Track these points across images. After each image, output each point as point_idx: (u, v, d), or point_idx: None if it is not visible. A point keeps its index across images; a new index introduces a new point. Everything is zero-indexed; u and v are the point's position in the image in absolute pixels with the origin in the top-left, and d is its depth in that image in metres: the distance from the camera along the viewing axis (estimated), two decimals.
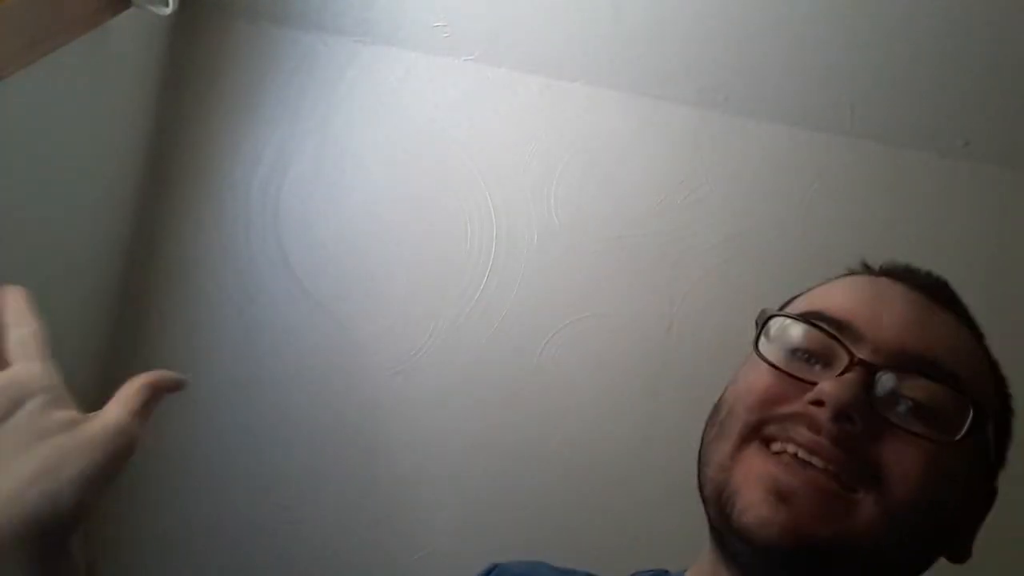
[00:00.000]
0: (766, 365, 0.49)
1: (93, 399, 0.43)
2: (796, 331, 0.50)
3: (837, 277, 0.58)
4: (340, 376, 1.23)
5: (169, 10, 1.06)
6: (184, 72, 1.27)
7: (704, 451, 0.52)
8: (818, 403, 0.45)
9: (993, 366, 0.55)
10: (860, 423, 0.45)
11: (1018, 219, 1.36)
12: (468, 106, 1.31)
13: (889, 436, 0.45)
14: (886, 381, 0.46)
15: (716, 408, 0.53)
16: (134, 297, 1.23)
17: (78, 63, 1.00)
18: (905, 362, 0.47)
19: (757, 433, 0.48)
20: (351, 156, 1.28)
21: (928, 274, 0.57)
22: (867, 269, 0.58)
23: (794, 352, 0.50)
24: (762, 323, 0.52)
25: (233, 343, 1.23)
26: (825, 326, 0.49)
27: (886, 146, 1.35)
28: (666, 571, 0.62)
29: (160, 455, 1.20)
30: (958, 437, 0.46)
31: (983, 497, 0.52)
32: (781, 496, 0.44)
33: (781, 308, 0.57)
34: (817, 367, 0.49)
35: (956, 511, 0.49)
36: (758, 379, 0.49)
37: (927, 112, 1.30)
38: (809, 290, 0.58)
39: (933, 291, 0.53)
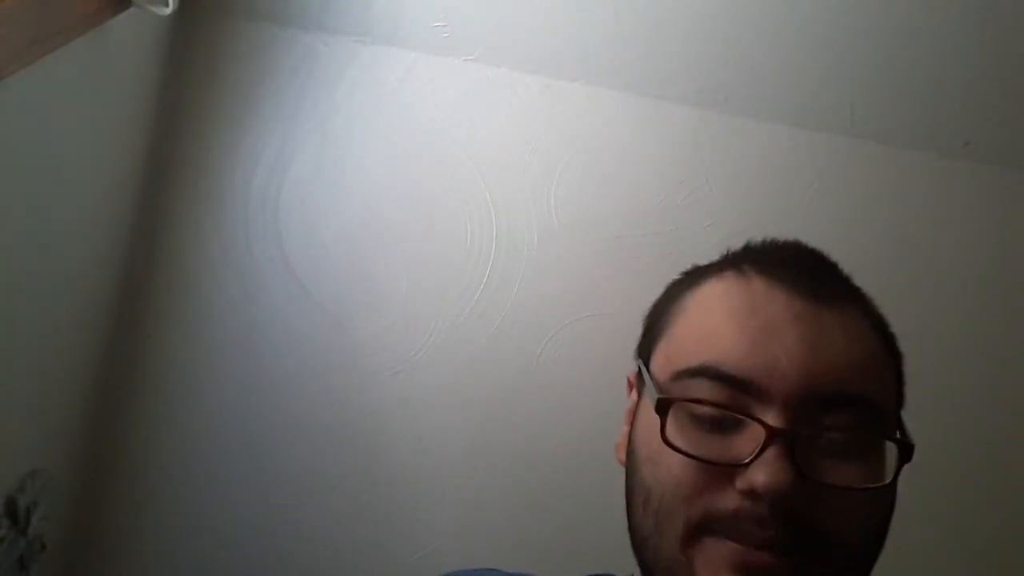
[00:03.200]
0: (674, 453, 0.47)
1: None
2: (701, 409, 0.48)
3: (700, 275, 0.55)
4: (340, 376, 1.23)
5: (169, 10, 1.06)
6: (184, 72, 1.27)
7: (643, 539, 0.49)
8: (750, 494, 0.44)
9: (882, 330, 0.53)
10: (797, 500, 0.44)
11: (1018, 219, 1.36)
12: (468, 106, 1.31)
13: (825, 495, 0.45)
14: (806, 443, 0.45)
15: (642, 492, 0.49)
16: (134, 297, 1.23)
17: (78, 63, 1.00)
18: (815, 408, 0.46)
19: (704, 529, 0.46)
20: (351, 156, 1.28)
21: (799, 256, 0.54)
22: (731, 260, 0.55)
23: (702, 425, 0.48)
24: (664, 411, 0.48)
25: (233, 343, 1.23)
26: (730, 397, 0.47)
27: (886, 146, 1.35)
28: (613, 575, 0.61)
29: (160, 455, 1.20)
30: (888, 481, 0.46)
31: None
32: None
33: (650, 335, 0.55)
34: (731, 435, 0.47)
35: (892, 506, 0.50)
36: (682, 472, 0.47)
37: (927, 112, 1.30)
38: (674, 304, 0.55)
39: (813, 286, 0.50)
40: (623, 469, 0.54)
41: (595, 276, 1.28)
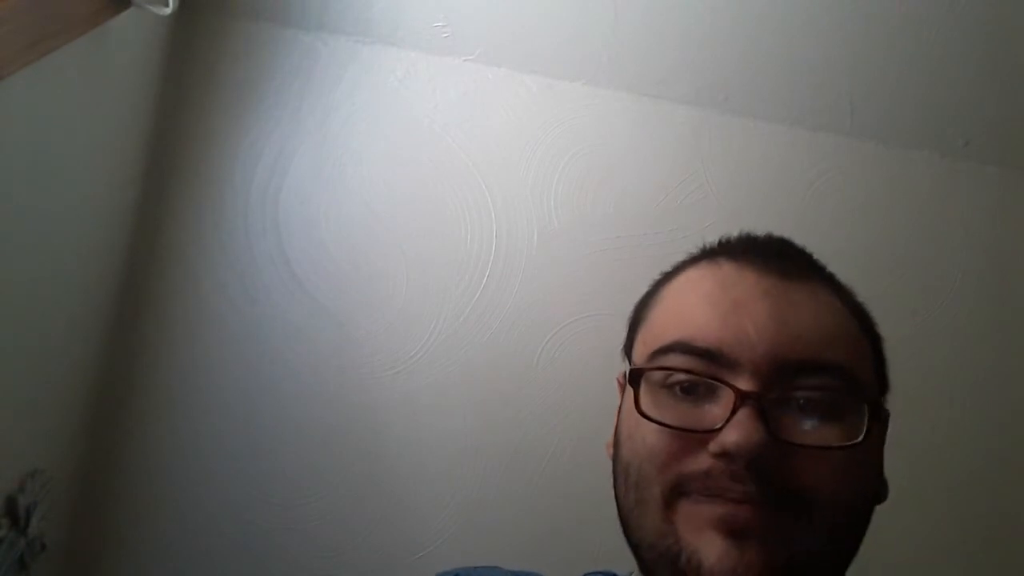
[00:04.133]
0: (649, 424, 0.48)
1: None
2: (673, 377, 0.49)
3: (684, 266, 0.57)
4: (340, 376, 1.23)
5: (169, 10, 1.06)
6: (184, 72, 1.27)
7: (628, 517, 0.50)
8: (723, 455, 0.45)
9: (855, 310, 0.54)
10: (770, 459, 0.45)
11: (1018, 219, 1.36)
12: (468, 106, 1.31)
13: (799, 456, 0.46)
14: (777, 407, 0.46)
15: (623, 471, 0.51)
16: (134, 297, 1.23)
17: (78, 63, 1.00)
18: (786, 375, 0.47)
19: (681, 491, 0.47)
20: (351, 156, 1.28)
21: (768, 242, 0.56)
22: (705, 253, 0.57)
23: (675, 395, 0.49)
24: (636, 381, 0.50)
25: (233, 343, 1.23)
26: (700, 367, 0.48)
27: (886, 146, 1.35)
28: (614, 573, 0.62)
29: (160, 455, 1.20)
30: (859, 440, 0.47)
31: (882, 425, 0.52)
32: (738, 535, 0.45)
33: (632, 330, 0.57)
34: (703, 404, 0.48)
35: (877, 476, 0.51)
36: (656, 440, 0.48)
37: (927, 112, 1.30)
38: (652, 297, 0.57)
39: (782, 266, 0.52)
40: None
41: (595, 276, 1.28)
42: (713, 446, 0.46)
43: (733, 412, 0.46)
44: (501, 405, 1.25)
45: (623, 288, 1.27)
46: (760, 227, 0.58)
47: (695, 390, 0.49)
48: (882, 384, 0.53)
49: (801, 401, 0.47)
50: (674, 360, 0.49)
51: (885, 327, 0.57)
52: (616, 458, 0.53)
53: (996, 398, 1.30)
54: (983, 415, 1.29)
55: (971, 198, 1.36)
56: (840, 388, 0.48)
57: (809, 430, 0.47)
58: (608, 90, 1.32)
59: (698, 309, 0.51)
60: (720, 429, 0.46)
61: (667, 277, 0.58)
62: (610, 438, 0.56)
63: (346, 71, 1.29)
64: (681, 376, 0.49)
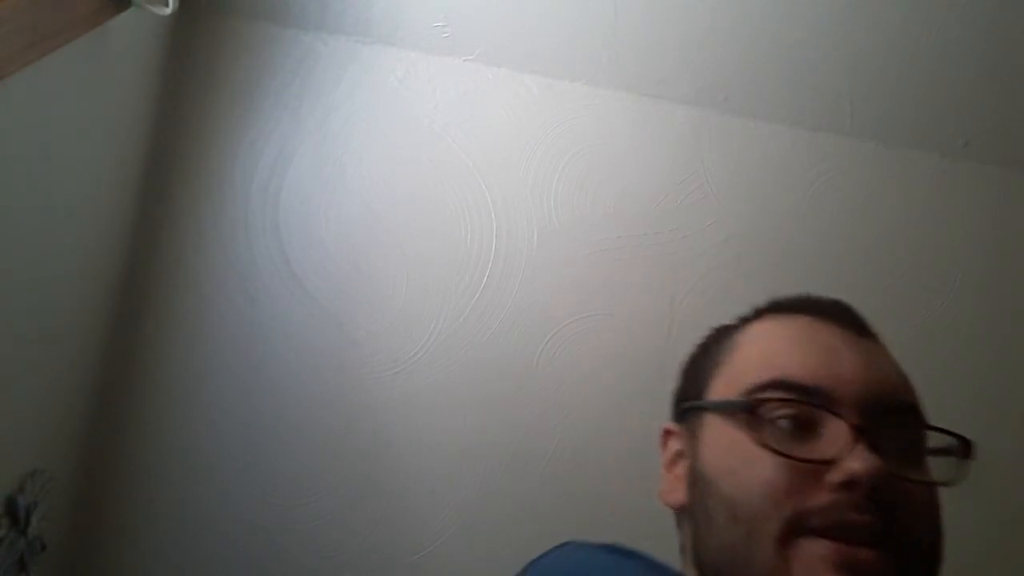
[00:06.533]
0: (767, 455, 0.48)
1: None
2: (788, 410, 0.50)
3: (757, 316, 0.59)
4: (340, 376, 1.23)
5: (169, 10, 1.06)
6: (184, 72, 1.27)
7: (727, 552, 0.49)
8: (848, 484, 0.46)
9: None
10: (888, 490, 0.46)
11: (1018, 219, 1.36)
12: (468, 106, 1.31)
13: (905, 489, 0.47)
14: (885, 440, 0.48)
15: (726, 508, 0.50)
16: (134, 297, 1.23)
17: (78, 63, 1.00)
18: (878, 414, 0.49)
19: (800, 528, 0.47)
20: (351, 156, 1.28)
21: (834, 302, 0.58)
22: (770, 308, 0.59)
23: (781, 430, 0.49)
24: (749, 409, 0.51)
25: (233, 343, 1.23)
26: (805, 402, 0.49)
27: (886, 146, 1.35)
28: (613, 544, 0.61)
29: (160, 455, 1.20)
30: (956, 478, 0.50)
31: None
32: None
33: (697, 378, 0.58)
34: (810, 439, 0.49)
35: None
36: (772, 472, 0.48)
37: (927, 112, 1.30)
38: (721, 344, 0.58)
39: (852, 323, 0.55)
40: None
41: (595, 276, 1.28)
42: (836, 475, 0.46)
43: (851, 443, 0.47)
44: (501, 405, 1.25)
45: (623, 288, 1.28)
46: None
47: (800, 429, 0.49)
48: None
49: (891, 440, 0.48)
50: (775, 397, 0.50)
51: (885, 327, 0.57)
52: (703, 498, 0.52)
53: (997, 398, 1.30)
54: (984, 415, 1.29)
55: (971, 198, 1.36)
56: (921, 428, 0.51)
57: (908, 467, 0.48)
58: (608, 90, 1.32)
59: (793, 351, 0.53)
60: (834, 461, 0.47)
61: (729, 331, 0.59)
62: (666, 485, 0.57)
63: (346, 71, 1.29)
64: (786, 411, 0.49)
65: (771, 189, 1.33)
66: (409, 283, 1.26)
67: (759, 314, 0.59)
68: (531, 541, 1.29)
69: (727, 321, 0.62)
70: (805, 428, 0.49)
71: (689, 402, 0.58)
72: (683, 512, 0.56)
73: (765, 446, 0.48)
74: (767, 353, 0.54)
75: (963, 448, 0.50)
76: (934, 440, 0.51)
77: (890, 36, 1.21)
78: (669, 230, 1.30)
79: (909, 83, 1.26)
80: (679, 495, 0.56)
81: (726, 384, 0.55)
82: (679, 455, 0.58)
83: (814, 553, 0.46)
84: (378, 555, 1.20)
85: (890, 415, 0.49)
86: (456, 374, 1.25)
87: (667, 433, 0.60)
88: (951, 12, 1.16)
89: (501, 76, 1.31)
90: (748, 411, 0.50)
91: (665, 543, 0.59)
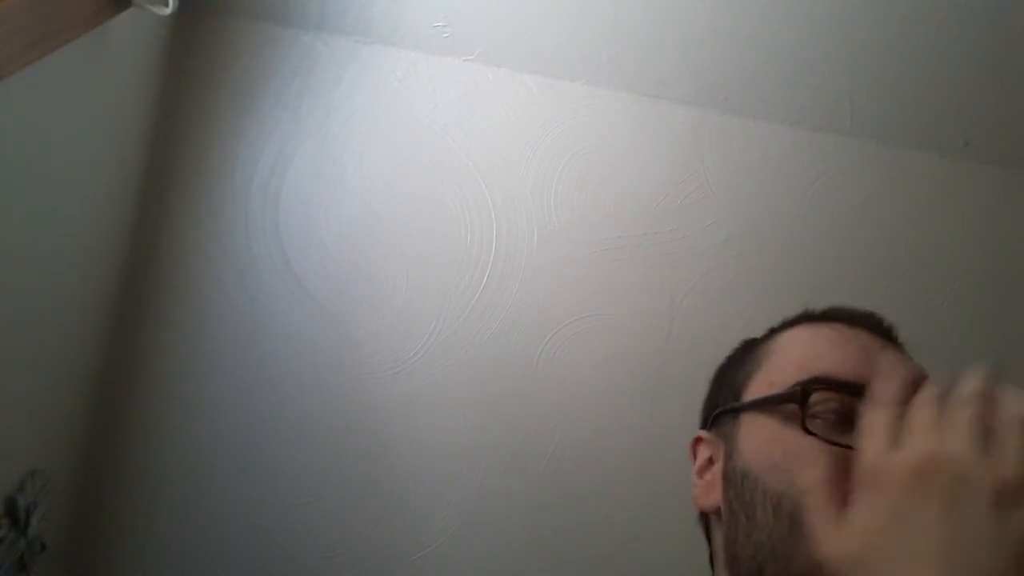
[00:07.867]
0: (812, 446, 0.49)
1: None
2: (832, 404, 0.51)
3: (788, 326, 0.60)
4: (340, 376, 1.23)
5: (169, 10, 1.06)
6: (184, 72, 1.27)
7: (763, 549, 0.50)
8: None
9: None
10: None
11: (1018, 219, 1.36)
12: (468, 106, 1.31)
13: None
14: None
15: (770, 502, 0.50)
16: (134, 297, 1.23)
17: (78, 63, 1.00)
18: None
19: None
20: (351, 156, 1.28)
21: (866, 312, 0.60)
22: (810, 318, 0.60)
23: (829, 423, 0.51)
24: (801, 400, 0.51)
25: (233, 343, 1.23)
26: (856, 393, 0.50)
27: (886, 146, 1.35)
28: None
29: (160, 455, 1.20)
30: None
31: None
32: None
33: (733, 384, 0.59)
34: (853, 434, 0.49)
35: None
36: (817, 464, 0.48)
37: (927, 112, 1.30)
38: (755, 352, 0.59)
39: (885, 333, 0.57)
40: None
41: (595, 276, 1.28)
42: None
43: None
44: (501, 405, 1.25)
45: (623, 288, 1.28)
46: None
47: (844, 418, 0.50)
48: None
49: None
50: (818, 394, 0.51)
51: None
52: (743, 495, 0.53)
53: None
54: None
55: (971, 198, 1.36)
56: None
57: None
58: (608, 90, 1.32)
59: (831, 351, 0.54)
60: None
61: (762, 339, 0.61)
62: (700, 489, 0.58)
63: (346, 71, 1.29)
64: (831, 404, 0.51)
65: (771, 189, 1.33)
66: (409, 283, 1.26)
67: (791, 323, 0.60)
68: (531, 541, 1.29)
69: (754, 334, 0.63)
70: (849, 421, 0.49)
71: (727, 405, 0.59)
72: (716, 516, 0.56)
73: (815, 435, 0.49)
74: (806, 355, 0.55)
75: None
76: None
77: (890, 36, 1.21)
78: (669, 230, 1.30)
79: (909, 83, 1.26)
80: (713, 498, 0.56)
81: (767, 386, 0.56)
82: (710, 461, 0.59)
83: None
84: (378, 555, 1.20)
85: None
86: (456, 374, 1.25)
87: (697, 441, 0.62)
88: (951, 12, 1.16)
89: (501, 76, 1.31)
90: (798, 402, 0.51)
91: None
